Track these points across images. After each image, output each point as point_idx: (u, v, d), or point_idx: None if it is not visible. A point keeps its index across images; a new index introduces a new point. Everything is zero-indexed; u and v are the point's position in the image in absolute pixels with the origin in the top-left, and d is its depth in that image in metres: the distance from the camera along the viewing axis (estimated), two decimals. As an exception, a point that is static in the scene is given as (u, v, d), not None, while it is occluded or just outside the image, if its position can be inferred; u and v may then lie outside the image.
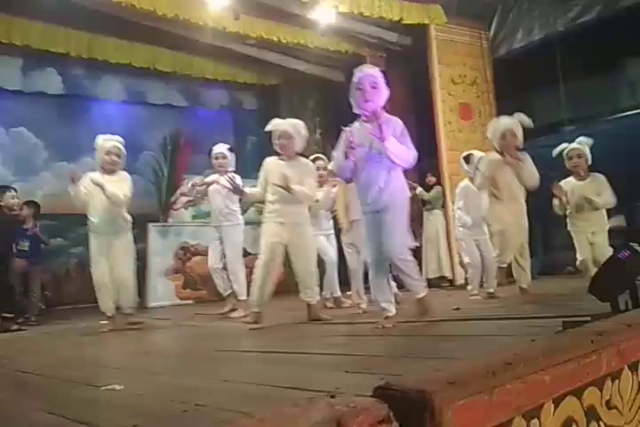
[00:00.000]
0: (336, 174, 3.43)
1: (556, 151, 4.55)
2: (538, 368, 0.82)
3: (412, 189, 6.48)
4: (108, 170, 4.28)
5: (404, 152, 3.00)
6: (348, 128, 3.07)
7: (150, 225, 7.20)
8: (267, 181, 3.84)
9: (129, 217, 4.35)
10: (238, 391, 1.71)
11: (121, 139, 4.39)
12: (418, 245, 6.88)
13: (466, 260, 5.04)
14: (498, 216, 4.22)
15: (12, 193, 5.13)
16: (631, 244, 2.08)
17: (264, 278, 3.73)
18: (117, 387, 1.86)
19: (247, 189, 4.17)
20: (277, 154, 3.92)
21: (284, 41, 7.17)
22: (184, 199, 6.12)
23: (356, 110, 3.12)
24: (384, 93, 3.08)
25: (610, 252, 4.15)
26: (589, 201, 4.39)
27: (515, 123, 4.11)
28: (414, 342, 2.59)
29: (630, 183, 6.09)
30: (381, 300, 3.13)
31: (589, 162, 4.51)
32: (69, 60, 7.42)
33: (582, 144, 4.48)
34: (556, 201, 4.50)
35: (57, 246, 7.35)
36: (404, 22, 7.01)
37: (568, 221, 4.59)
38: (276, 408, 0.68)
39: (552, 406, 0.84)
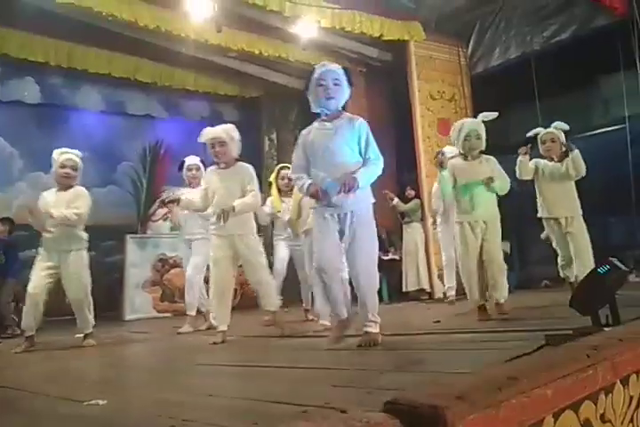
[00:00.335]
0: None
1: (530, 133, 4.46)
2: (540, 383, 0.84)
3: (390, 199, 6.55)
4: (64, 184, 4.14)
5: (371, 175, 2.86)
6: (305, 131, 2.86)
7: (128, 237, 7.12)
8: (207, 191, 3.75)
9: (84, 235, 4.21)
10: (224, 406, 1.70)
11: (78, 152, 4.25)
12: (397, 257, 6.94)
13: (443, 258, 5.08)
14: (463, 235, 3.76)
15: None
16: (611, 259, 2.13)
17: (218, 296, 3.63)
18: (100, 402, 1.83)
19: (183, 198, 4.04)
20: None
21: (265, 54, 7.23)
22: (162, 211, 6.08)
23: (315, 109, 2.88)
24: (346, 92, 2.87)
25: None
26: (565, 175, 4.30)
27: (478, 123, 3.86)
28: (397, 355, 2.60)
29: (603, 199, 6.23)
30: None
31: (563, 148, 4.41)
32: (48, 69, 7.35)
33: (557, 129, 4.41)
34: (521, 158, 4.33)
35: (31, 258, 7.20)
36: (385, 38, 7.12)
37: (539, 207, 4.46)
38: (289, 423, 0.68)
39: (552, 420, 0.86)
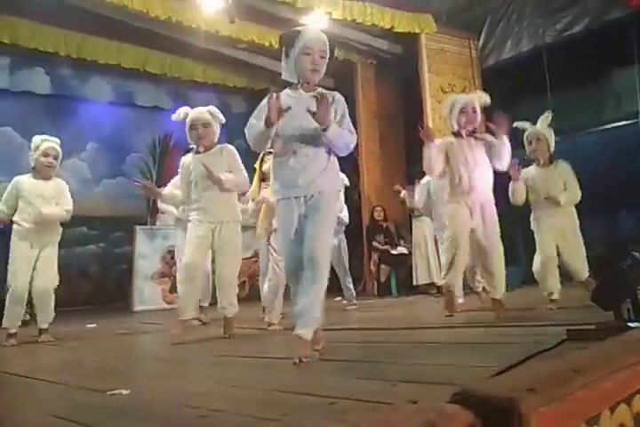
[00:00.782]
0: (251, 146, 2.51)
1: (518, 124, 3.87)
2: (601, 375, 0.83)
3: (398, 192, 6.54)
4: (44, 174, 3.96)
5: (341, 134, 2.40)
6: (274, 93, 2.36)
7: (137, 228, 7.13)
8: (186, 181, 3.54)
9: (60, 229, 4.06)
10: (251, 396, 1.70)
11: (58, 140, 4.10)
12: (406, 251, 6.94)
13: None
14: (453, 217, 3.51)
15: None
16: (633, 253, 2.12)
17: (186, 286, 3.43)
18: (124, 392, 1.84)
19: (165, 191, 3.89)
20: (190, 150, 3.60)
21: (275, 45, 7.17)
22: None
23: (291, 78, 2.51)
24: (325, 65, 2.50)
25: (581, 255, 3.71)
26: (552, 198, 3.74)
27: (475, 97, 3.60)
28: (414, 348, 2.60)
29: (614, 194, 6.22)
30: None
31: (552, 148, 3.88)
32: (58, 60, 7.35)
33: (542, 124, 3.87)
34: (513, 185, 3.80)
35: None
36: (395, 31, 7.09)
37: (531, 216, 3.91)
38: (356, 414, 0.68)
39: (609, 413, 0.86)
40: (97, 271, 8.02)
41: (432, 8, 7.36)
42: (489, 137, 3.52)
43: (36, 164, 3.98)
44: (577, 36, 6.62)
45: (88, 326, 5.16)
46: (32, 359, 3.30)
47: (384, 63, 8.01)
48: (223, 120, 3.60)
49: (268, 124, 2.32)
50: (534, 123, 3.93)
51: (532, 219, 3.92)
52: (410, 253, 6.77)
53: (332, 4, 6.56)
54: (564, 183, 3.82)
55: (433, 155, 3.51)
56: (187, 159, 3.61)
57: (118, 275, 7.80)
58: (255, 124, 2.41)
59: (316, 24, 6.62)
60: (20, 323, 3.86)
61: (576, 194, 3.82)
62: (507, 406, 0.67)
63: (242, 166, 3.59)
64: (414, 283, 6.48)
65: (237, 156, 3.59)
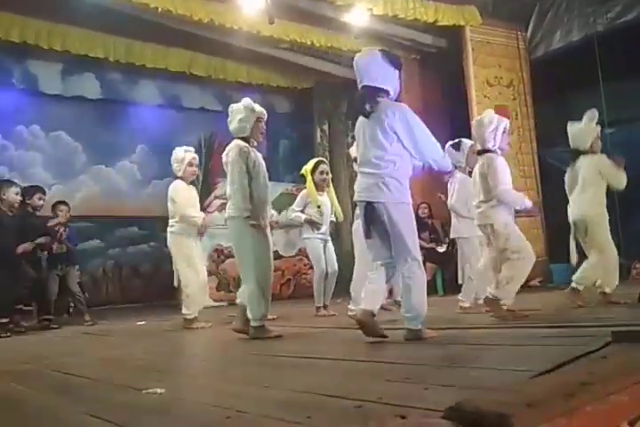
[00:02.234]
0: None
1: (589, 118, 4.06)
2: (616, 388, 0.78)
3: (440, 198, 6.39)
4: (189, 181, 4.59)
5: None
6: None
7: (185, 227, 7.27)
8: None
9: None
10: (279, 398, 1.70)
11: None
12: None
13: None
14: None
15: (17, 189, 5.00)
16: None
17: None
18: (159, 391, 1.87)
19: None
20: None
21: (317, 44, 7.19)
22: (218, 202, 6.15)
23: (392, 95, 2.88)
24: None
25: None
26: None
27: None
28: (453, 350, 2.54)
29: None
30: None
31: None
32: (107, 65, 7.57)
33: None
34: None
35: (94, 248, 7.50)
36: (439, 24, 6.95)
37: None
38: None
39: (627, 427, 0.81)
40: (148, 270, 8.23)
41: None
42: None
43: (183, 173, 4.55)
44: (630, 25, 6.33)
45: (138, 323, 5.30)
46: (84, 357, 3.39)
47: (428, 58, 7.87)
48: None
49: None
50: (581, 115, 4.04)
51: None
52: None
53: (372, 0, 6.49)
54: None
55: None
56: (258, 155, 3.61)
57: (168, 273, 7.97)
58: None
59: (357, 21, 6.59)
60: None
61: None
62: (497, 423, 0.64)
63: None
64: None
65: None
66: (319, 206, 4.84)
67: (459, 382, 1.69)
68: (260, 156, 3.61)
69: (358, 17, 6.54)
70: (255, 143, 3.63)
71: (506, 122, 3.76)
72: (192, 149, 4.68)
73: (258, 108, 3.60)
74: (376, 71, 2.85)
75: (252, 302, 3.32)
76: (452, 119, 7.73)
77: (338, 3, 6.30)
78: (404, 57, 7.89)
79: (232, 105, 3.67)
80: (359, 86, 2.92)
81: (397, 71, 2.88)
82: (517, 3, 7.31)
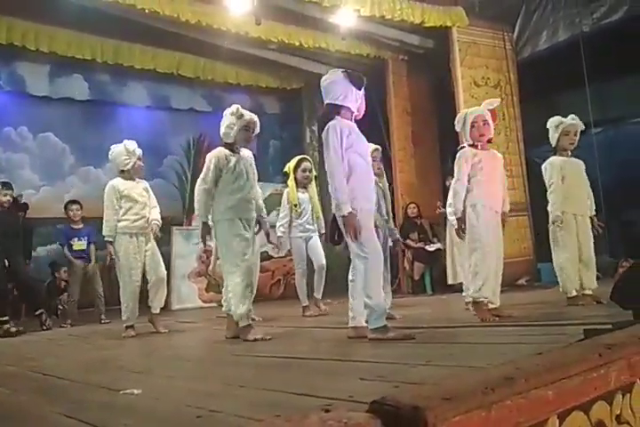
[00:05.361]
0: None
1: (553, 122, 4.11)
2: (541, 383, 0.81)
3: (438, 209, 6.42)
4: (137, 176, 4.55)
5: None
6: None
7: (174, 229, 7.29)
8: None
9: None
10: (253, 397, 1.72)
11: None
12: (442, 247, 6.83)
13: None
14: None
15: (10, 191, 5.11)
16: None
17: None
18: (135, 391, 1.89)
19: None
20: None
21: (305, 45, 7.20)
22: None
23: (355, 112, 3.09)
24: None
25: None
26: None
27: (482, 108, 3.72)
28: (431, 348, 2.57)
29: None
30: None
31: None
32: (95, 67, 7.55)
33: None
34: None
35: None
36: (426, 25, 6.97)
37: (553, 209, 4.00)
38: (267, 422, 0.68)
39: (557, 421, 0.83)
40: (137, 271, 8.21)
41: (463, 0, 7.22)
42: None
43: (130, 167, 4.46)
44: (615, 25, 6.37)
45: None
46: (65, 359, 3.40)
47: (416, 59, 7.90)
48: None
49: None
50: (572, 113, 4.11)
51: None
52: (445, 249, 6.67)
53: (359, 0, 6.51)
54: None
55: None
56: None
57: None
58: None
59: (344, 22, 6.62)
60: None
61: None
62: (412, 415, 0.66)
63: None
64: (449, 282, 6.38)
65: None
66: (296, 205, 4.89)
67: (430, 380, 1.71)
68: (247, 156, 3.67)
69: (346, 18, 6.56)
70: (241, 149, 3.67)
71: (474, 114, 3.65)
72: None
73: (247, 116, 3.59)
74: (337, 90, 3.04)
75: (234, 302, 3.35)
76: (439, 120, 7.77)
77: (325, 4, 6.31)
78: (392, 57, 7.94)
79: (227, 108, 3.68)
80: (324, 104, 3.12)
81: (359, 90, 3.05)
82: (503, 3, 7.36)
